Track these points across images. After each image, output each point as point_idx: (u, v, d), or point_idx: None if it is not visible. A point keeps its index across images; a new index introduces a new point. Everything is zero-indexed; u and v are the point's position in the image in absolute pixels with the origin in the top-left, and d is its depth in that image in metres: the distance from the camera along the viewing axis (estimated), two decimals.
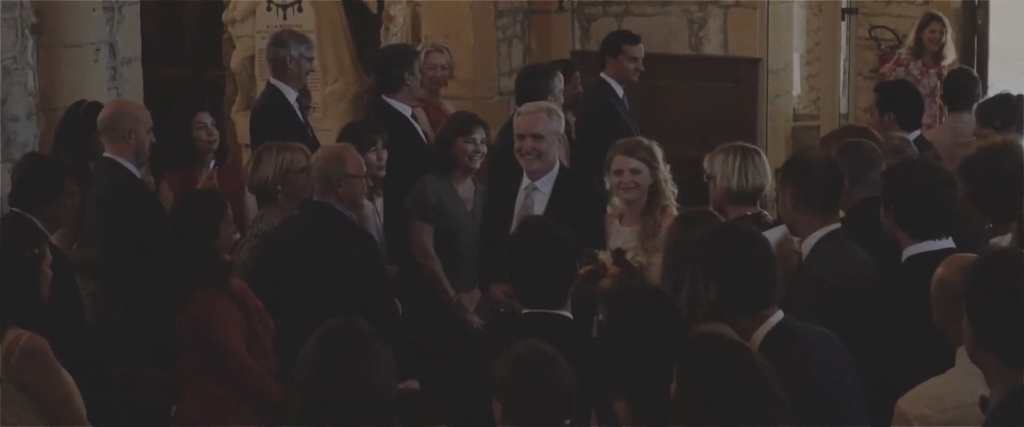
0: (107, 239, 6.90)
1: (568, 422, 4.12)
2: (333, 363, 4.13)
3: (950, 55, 10.89)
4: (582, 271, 5.90)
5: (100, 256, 6.99)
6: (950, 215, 5.12)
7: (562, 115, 7.11)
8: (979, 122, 8.09)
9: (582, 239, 5.70)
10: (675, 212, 6.35)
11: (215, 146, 7.91)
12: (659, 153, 6.54)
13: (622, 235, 6.45)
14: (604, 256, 6.29)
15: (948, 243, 5.01)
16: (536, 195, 6.90)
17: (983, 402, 3.62)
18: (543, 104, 7.21)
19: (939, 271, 4.39)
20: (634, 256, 6.30)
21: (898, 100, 8.02)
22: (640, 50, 9.38)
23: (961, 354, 4.17)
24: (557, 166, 6.97)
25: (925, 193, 5.07)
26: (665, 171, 6.53)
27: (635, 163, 6.46)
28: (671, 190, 6.53)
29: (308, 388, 4.16)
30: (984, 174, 5.57)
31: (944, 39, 10.86)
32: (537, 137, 6.86)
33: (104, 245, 6.94)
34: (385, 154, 7.34)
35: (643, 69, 9.40)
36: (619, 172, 6.47)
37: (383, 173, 7.35)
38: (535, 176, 6.91)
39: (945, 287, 4.33)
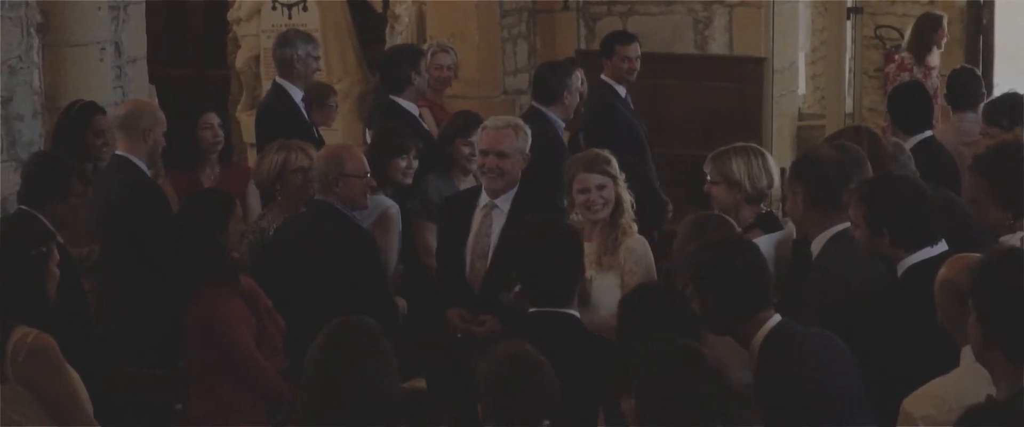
0: (118, 237, 6.87)
1: (547, 422, 4.13)
2: (341, 361, 4.15)
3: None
4: (517, 290, 5.61)
5: (106, 254, 6.98)
6: (939, 219, 5.12)
7: (529, 132, 6.71)
8: (986, 121, 8.08)
9: None
10: (633, 227, 6.15)
11: (219, 147, 7.89)
12: (615, 160, 6.23)
13: None
14: None
15: (943, 247, 5.01)
16: (495, 213, 6.57)
17: (990, 401, 3.61)
18: (511, 119, 6.90)
19: (942, 272, 4.39)
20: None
21: (897, 103, 8.00)
22: (634, 49, 9.30)
23: (965, 354, 4.19)
24: (518, 184, 6.62)
25: (913, 206, 5.04)
26: (621, 178, 6.20)
27: (600, 179, 6.13)
28: (629, 199, 6.21)
29: (316, 386, 4.17)
30: (1001, 169, 5.54)
31: None
32: (501, 155, 6.52)
33: (114, 243, 6.91)
34: (416, 164, 7.33)
35: (638, 68, 9.33)
36: (586, 191, 6.12)
37: (408, 181, 7.32)
38: (495, 194, 6.58)
39: (949, 287, 4.32)
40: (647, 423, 3.73)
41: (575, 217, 6.24)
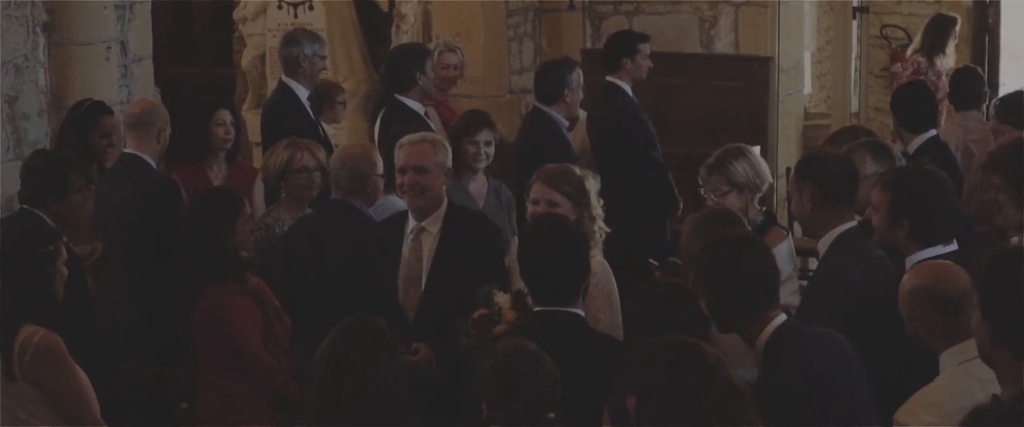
0: (130, 235, 6.84)
1: (552, 415, 4.14)
2: (350, 361, 4.16)
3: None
4: (475, 316, 5.51)
5: (113, 252, 6.97)
6: (959, 219, 5.12)
7: (449, 147, 6.37)
8: (997, 119, 8.08)
9: (482, 282, 5.55)
10: (599, 257, 5.76)
11: (230, 144, 7.87)
12: (593, 187, 5.86)
13: None
14: (502, 299, 5.50)
15: (953, 246, 5.01)
16: (424, 237, 6.16)
17: (996, 401, 3.61)
18: (428, 135, 6.51)
19: (910, 281, 4.42)
20: None
21: (901, 103, 7.99)
22: (649, 47, 9.27)
23: (945, 361, 4.26)
24: (445, 203, 6.23)
25: (938, 201, 5.04)
26: (596, 208, 5.84)
27: (556, 196, 5.76)
28: (599, 227, 5.84)
29: (325, 385, 4.18)
30: (1017, 167, 5.52)
31: None
32: (420, 170, 6.10)
33: (125, 241, 6.89)
34: None
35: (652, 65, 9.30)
36: (536, 202, 5.80)
37: None
38: (421, 215, 6.14)
39: (920, 295, 4.36)
40: (645, 420, 3.73)
41: None
